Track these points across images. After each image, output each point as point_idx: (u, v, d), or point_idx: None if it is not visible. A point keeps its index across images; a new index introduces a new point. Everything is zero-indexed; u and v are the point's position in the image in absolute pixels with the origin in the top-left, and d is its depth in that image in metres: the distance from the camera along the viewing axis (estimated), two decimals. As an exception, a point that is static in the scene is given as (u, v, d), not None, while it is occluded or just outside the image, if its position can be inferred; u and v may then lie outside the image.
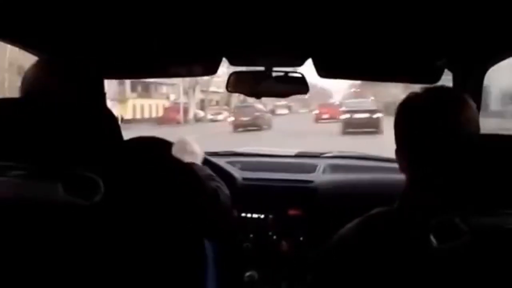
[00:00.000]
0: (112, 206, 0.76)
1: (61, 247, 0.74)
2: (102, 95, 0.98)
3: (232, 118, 21.46)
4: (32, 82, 0.88)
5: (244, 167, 2.05)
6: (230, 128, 20.43)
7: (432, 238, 0.72)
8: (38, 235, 0.74)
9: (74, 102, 0.86)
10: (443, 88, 0.94)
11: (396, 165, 0.95)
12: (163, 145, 1.40)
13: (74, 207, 0.74)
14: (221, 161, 1.97)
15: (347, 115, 17.63)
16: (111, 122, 0.88)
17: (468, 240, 0.70)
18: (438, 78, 1.55)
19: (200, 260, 1.21)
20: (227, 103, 37.53)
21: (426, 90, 0.92)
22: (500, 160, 0.74)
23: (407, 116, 0.91)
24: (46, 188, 0.74)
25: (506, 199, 0.72)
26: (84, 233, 0.75)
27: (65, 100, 0.84)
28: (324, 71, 1.59)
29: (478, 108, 1.48)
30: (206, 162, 1.84)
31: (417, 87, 1.00)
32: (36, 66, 0.91)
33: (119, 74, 1.81)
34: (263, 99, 1.90)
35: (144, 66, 1.69)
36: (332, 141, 13.31)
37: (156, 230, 0.81)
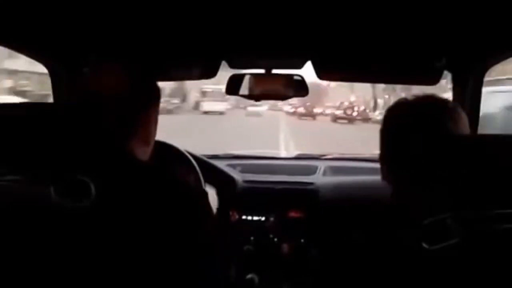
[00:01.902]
0: (102, 212, 0.75)
1: (51, 250, 0.73)
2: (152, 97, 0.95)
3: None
4: (95, 83, 0.87)
5: (245, 169, 2.05)
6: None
7: (423, 240, 0.72)
8: (28, 239, 0.73)
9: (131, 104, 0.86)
10: (431, 96, 0.92)
11: None
12: (163, 151, 1.37)
13: (65, 211, 0.73)
14: (221, 164, 1.97)
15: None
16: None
17: (460, 241, 0.70)
18: (437, 79, 1.55)
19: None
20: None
21: (414, 99, 0.91)
22: (491, 160, 0.74)
23: (395, 124, 0.90)
24: (38, 191, 0.74)
25: (497, 199, 0.72)
26: (73, 237, 0.74)
27: (123, 103, 0.84)
28: (323, 74, 1.59)
29: (478, 109, 1.49)
30: (206, 165, 1.84)
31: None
32: (97, 69, 0.91)
33: None
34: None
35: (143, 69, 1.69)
36: None
37: (149, 238, 0.78)
